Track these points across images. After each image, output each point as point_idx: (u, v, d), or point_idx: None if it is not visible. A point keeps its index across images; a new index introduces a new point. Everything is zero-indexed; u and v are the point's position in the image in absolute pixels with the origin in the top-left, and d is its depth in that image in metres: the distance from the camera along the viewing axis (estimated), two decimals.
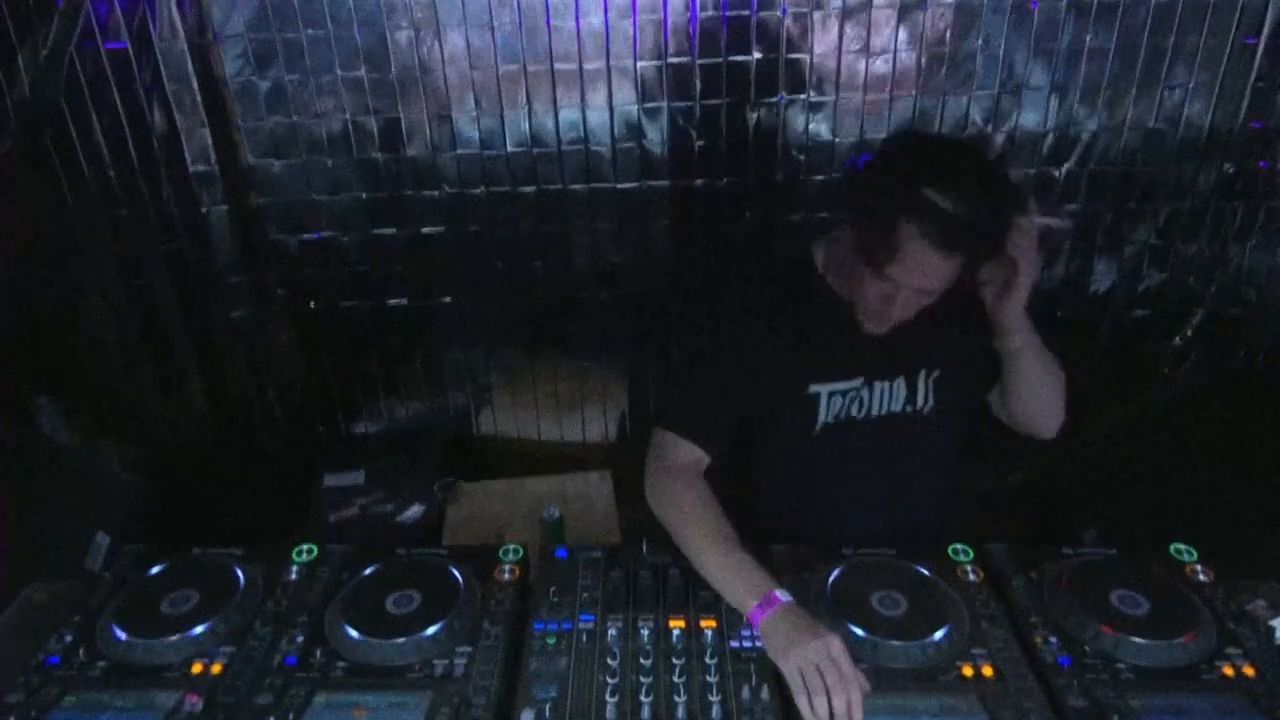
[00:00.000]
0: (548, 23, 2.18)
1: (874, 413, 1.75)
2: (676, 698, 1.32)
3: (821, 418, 1.73)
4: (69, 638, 1.47)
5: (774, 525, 1.77)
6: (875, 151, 1.55)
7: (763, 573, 1.47)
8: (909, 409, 1.76)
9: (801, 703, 1.29)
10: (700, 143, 2.33)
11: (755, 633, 1.42)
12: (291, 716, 1.32)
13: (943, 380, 1.77)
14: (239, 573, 1.59)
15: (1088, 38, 2.18)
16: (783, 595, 1.42)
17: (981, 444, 1.94)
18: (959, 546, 1.64)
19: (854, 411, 1.74)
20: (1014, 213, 1.50)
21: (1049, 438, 1.83)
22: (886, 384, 1.74)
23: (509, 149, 2.34)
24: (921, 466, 1.82)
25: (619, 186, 2.39)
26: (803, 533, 1.72)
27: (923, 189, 1.39)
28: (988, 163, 1.53)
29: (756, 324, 1.70)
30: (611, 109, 2.29)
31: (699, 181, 2.38)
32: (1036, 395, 1.77)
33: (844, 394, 1.72)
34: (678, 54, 2.22)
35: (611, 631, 1.45)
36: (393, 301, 2.56)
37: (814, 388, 1.71)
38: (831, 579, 1.54)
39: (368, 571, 1.60)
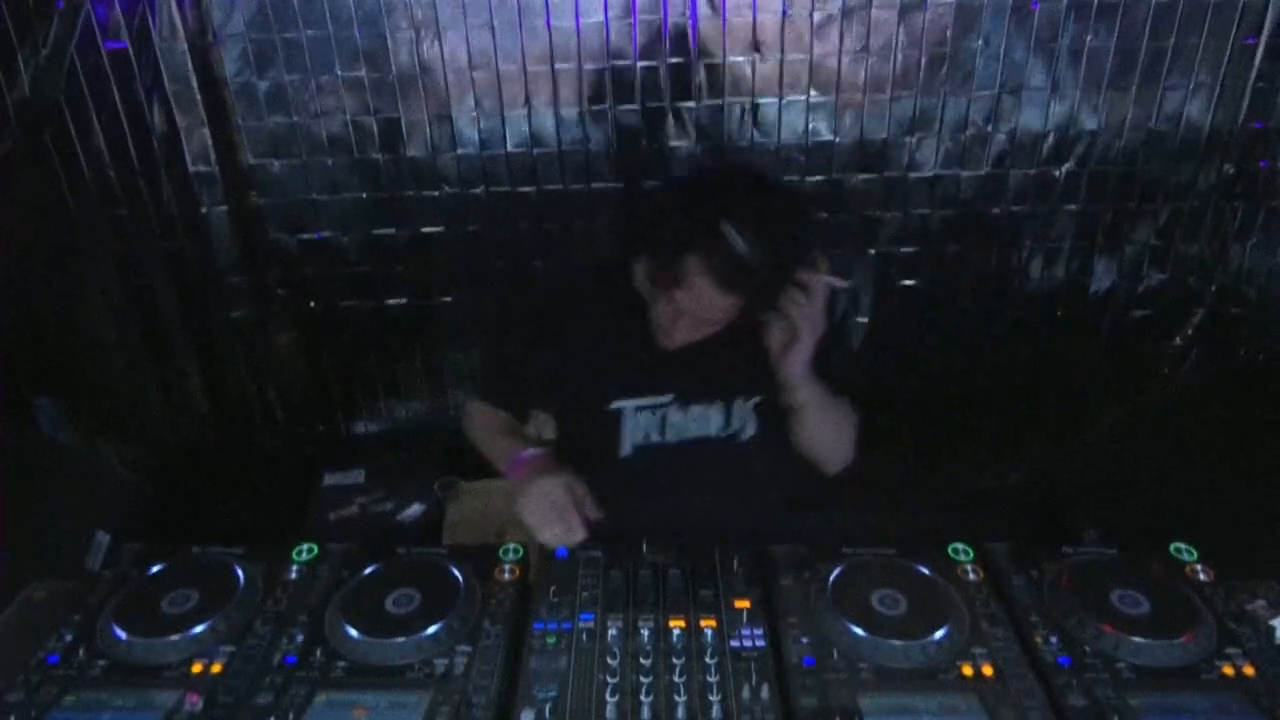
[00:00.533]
0: (548, 23, 2.18)
1: (687, 436, 1.75)
2: (676, 697, 1.32)
3: (629, 439, 1.73)
4: (69, 637, 1.47)
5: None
6: (688, 177, 1.61)
7: (519, 442, 1.70)
8: (725, 434, 1.76)
9: (534, 532, 1.54)
10: (701, 143, 2.32)
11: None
12: (291, 716, 1.31)
13: (765, 406, 1.76)
14: (239, 572, 1.59)
15: (1088, 38, 2.18)
16: (529, 452, 1.65)
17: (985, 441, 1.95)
18: (959, 546, 1.64)
19: (666, 435, 1.74)
20: (797, 266, 1.51)
21: (830, 473, 1.85)
22: (701, 407, 1.74)
23: (509, 149, 2.34)
24: (737, 492, 1.82)
25: (619, 187, 2.39)
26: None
27: (718, 224, 1.41)
28: (790, 213, 1.54)
29: (567, 330, 1.74)
30: (611, 109, 2.29)
31: None
32: (818, 442, 1.78)
33: (652, 410, 1.72)
34: (677, 54, 2.22)
35: (611, 631, 1.45)
36: (392, 301, 2.56)
37: (617, 404, 1.71)
38: (832, 578, 1.54)
39: (368, 571, 1.60)
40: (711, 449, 1.76)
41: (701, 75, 2.24)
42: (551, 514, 1.53)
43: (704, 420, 1.75)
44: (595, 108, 2.29)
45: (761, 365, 1.67)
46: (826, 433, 1.78)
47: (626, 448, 1.74)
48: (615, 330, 1.70)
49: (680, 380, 1.72)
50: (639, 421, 1.73)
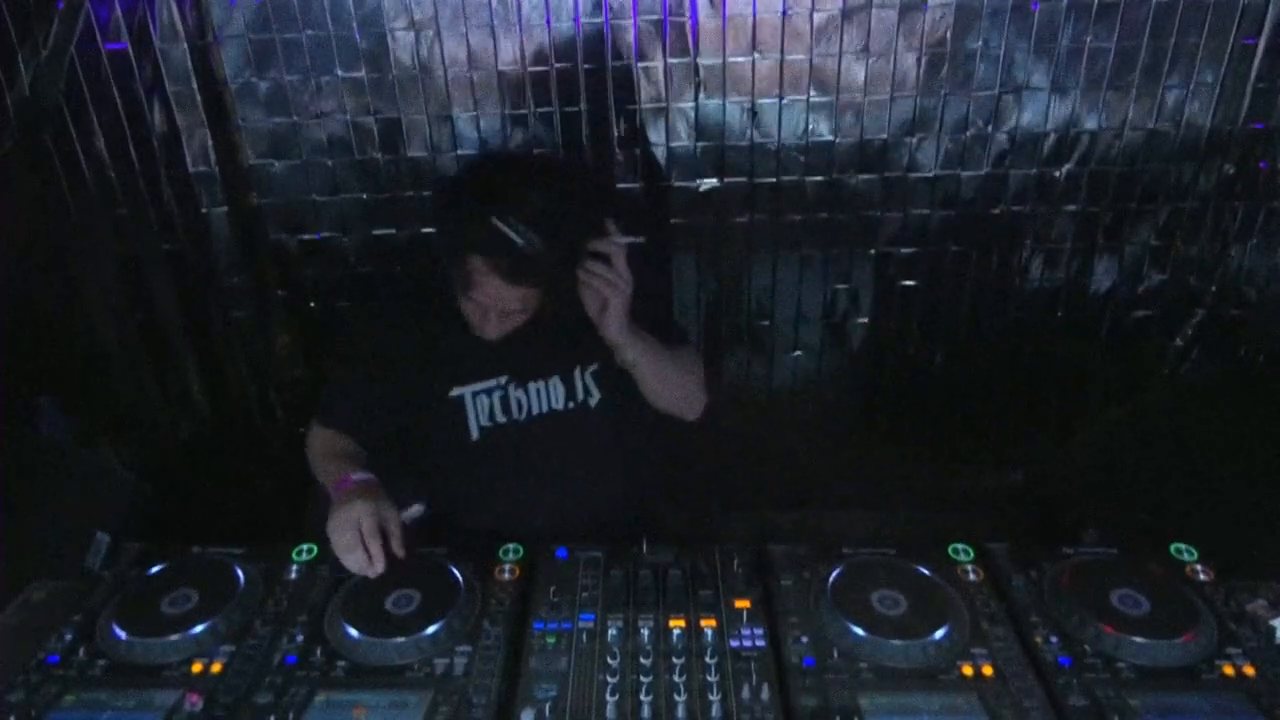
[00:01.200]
0: (548, 23, 2.18)
1: (534, 412, 1.77)
2: (676, 697, 1.32)
3: (475, 422, 1.75)
4: (69, 637, 1.47)
5: (449, 533, 1.79)
6: (451, 177, 1.62)
7: (349, 466, 1.68)
8: (571, 404, 1.79)
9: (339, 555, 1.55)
10: (701, 143, 2.32)
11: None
12: (291, 716, 1.32)
13: (603, 372, 1.78)
14: (239, 572, 1.60)
15: (1088, 38, 2.18)
16: (357, 476, 1.63)
17: (986, 441, 1.95)
18: (959, 546, 1.64)
19: (513, 413, 1.77)
20: (584, 240, 1.53)
21: (693, 419, 1.90)
22: (541, 383, 1.77)
23: (509, 149, 2.34)
24: (594, 460, 1.86)
25: (619, 187, 2.39)
26: (477, 538, 1.75)
27: (489, 222, 1.44)
28: (557, 188, 1.57)
29: (390, 334, 1.78)
30: (611, 109, 2.29)
31: (699, 182, 2.38)
32: (666, 393, 1.84)
33: (489, 394, 1.74)
34: (677, 54, 2.22)
35: (611, 631, 1.45)
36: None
37: (456, 390, 1.74)
38: (832, 578, 1.54)
39: None
40: (560, 420, 1.80)
41: (701, 75, 2.24)
42: (354, 541, 1.54)
43: (547, 394, 1.79)
44: (595, 107, 2.29)
45: (589, 333, 1.71)
46: (669, 385, 1.83)
47: (474, 431, 1.76)
48: (444, 320, 1.73)
49: (512, 361, 1.75)
50: (481, 404, 1.75)
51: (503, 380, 1.76)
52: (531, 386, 1.78)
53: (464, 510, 1.87)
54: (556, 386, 1.79)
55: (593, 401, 1.81)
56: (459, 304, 1.70)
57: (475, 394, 1.75)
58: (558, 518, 1.82)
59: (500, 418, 1.77)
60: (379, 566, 1.53)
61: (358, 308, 1.94)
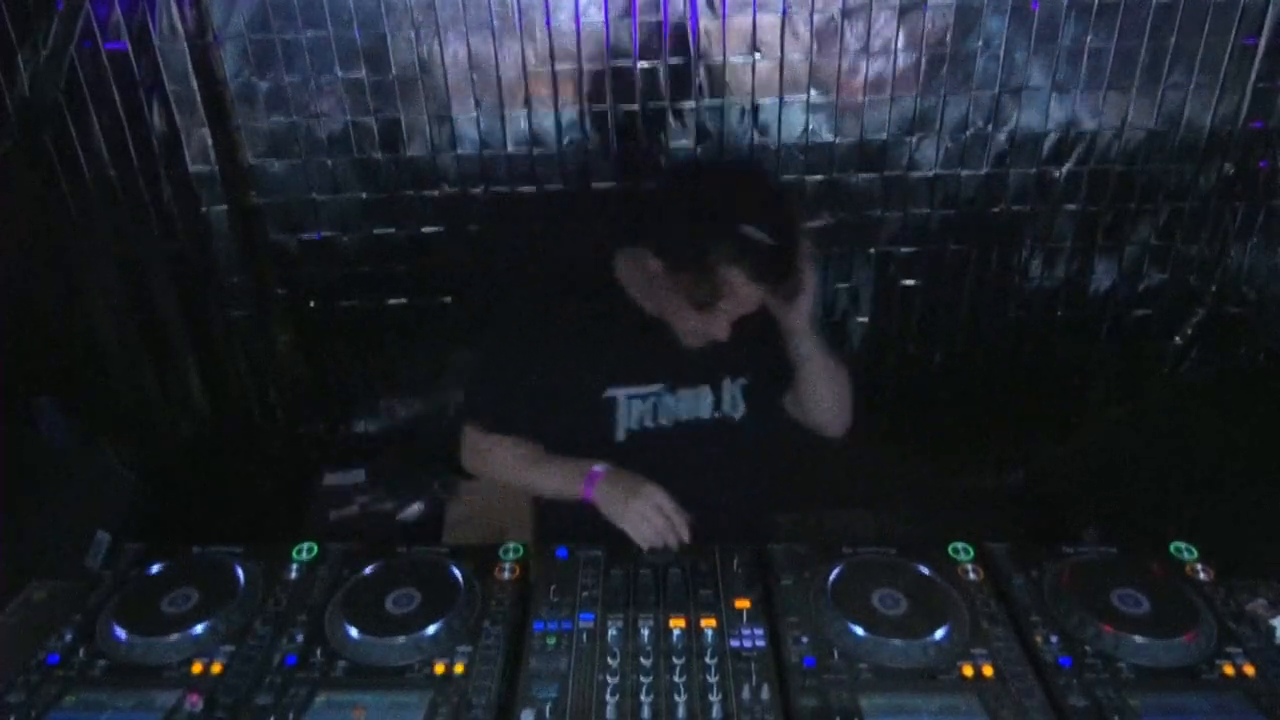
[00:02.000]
0: (548, 23, 2.18)
1: (680, 419, 1.77)
2: (676, 697, 1.32)
3: (623, 424, 1.75)
4: (69, 636, 1.47)
5: (579, 534, 1.77)
6: (666, 193, 1.66)
7: (578, 462, 1.68)
8: (716, 415, 1.79)
9: (646, 545, 1.58)
10: (701, 143, 2.32)
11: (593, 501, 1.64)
12: (291, 716, 1.31)
13: (750, 386, 1.79)
14: (239, 571, 1.59)
15: (1088, 38, 2.18)
16: (600, 467, 1.64)
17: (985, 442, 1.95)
18: (959, 546, 1.64)
19: (660, 419, 1.76)
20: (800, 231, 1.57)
21: (836, 435, 1.92)
22: (690, 391, 1.77)
23: (509, 149, 2.34)
24: (731, 472, 1.85)
25: (619, 187, 2.39)
26: (606, 540, 1.72)
27: (738, 229, 1.45)
28: (772, 184, 1.65)
29: (549, 329, 1.74)
30: (611, 109, 2.29)
31: None
32: (822, 400, 1.85)
33: (643, 399, 1.74)
34: (677, 54, 2.22)
35: (611, 631, 1.45)
36: (393, 301, 2.56)
37: (610, 392, 1.73)
38: (832, 578, 1.54)
39: (368, 570, 1.60)
40: (704, 430, 1.79)
41: (701, 75, 2.24)
42: (659, 519, 1.58)
43: (695, 403, 1.78)
44: (595, 108, 2.29)
45: (745, 347, 1.70)
46: (827, 389, 1.83)
47: (620, 434, 1.75)
48: (604, 321, 1.72)
49: (669, 367, 1.74)
50: (633, 408, 1.74)
51: (659, 387, 1.75)
52: (682, 393, 1.77)
53: (593, 513, 1.83)
54: (705, 396, 1.78)
55: (736, 414, 1.80)
56: (672, 318, 1.68)
57: (630, 397, 1.73)
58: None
59: (649, 423, 1.76)
60: (685, 534, 1.59)
61: (512, 299, 1.94)
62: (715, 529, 1.72)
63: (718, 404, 1.79)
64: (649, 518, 1.58)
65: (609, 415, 1.75)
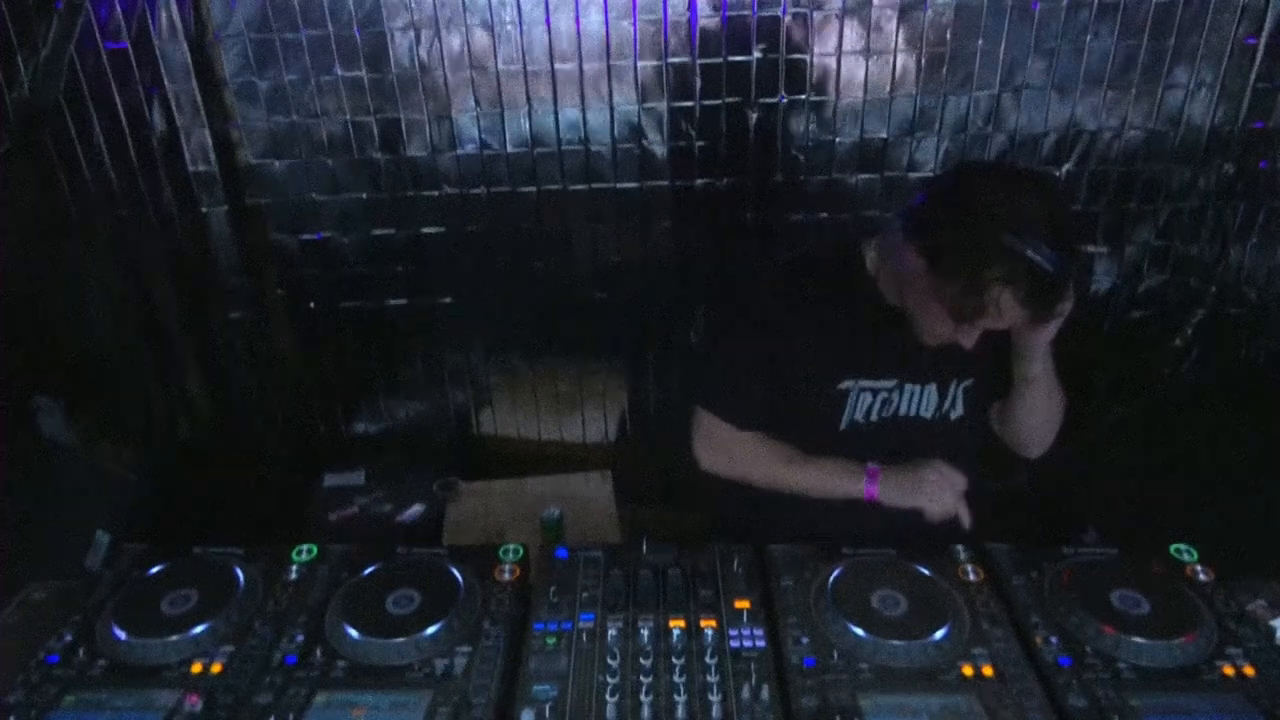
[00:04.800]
0: (547, 23, 2.18)
1: (902, 414, 1.75)
2: (676, 697, 1.32)
3: (849, 414, 1.73)
4: (69, 637, 1.47)
5: (784, 523, 1.75)
6: (946, 193, 1.50)
7: (846, 461, 1.69)
8: (938, 415, 1.77)
9: (940, 517, 1.63)
10: (700, 143, 2.33)
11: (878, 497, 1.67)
12: (291, 716, 1.31)
13: (973, 390, 1.77)
14: (239, 572, 1.59)
15: (1088, 38, 2.18)
16: (874, 465, 1.67)
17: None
18: (959, 546, 1.64)
19: (884, 412, 1.74)
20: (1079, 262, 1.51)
21: (1032, 458, 1.91)
22: (918, 388, 1.74)
23: (509, 149, 2.34)
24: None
25: (619, 187, 2.39)
26: (813, 531, 1.69)
27: (1018, 250, 1.36)
28: (1059, 205, 1.47)
29: (793, 314, 1.69)
30: (612, 109, 2.29)
31: (699, 182, 2.38)
32: (1037, 422, 1.82)
33: (874, 393, 1.72)
34: (677, 54, 2.22)
35: (611, 631, 1.45)
36: (393, 302, 2.56)
37: (845, 383, 1.71)
38: (832, 578, 1.54)
39: (367, 571, 1.60)
40: (921, 429, 1.77)
41: (701, 74, 2.24)
42: (951, 496, 1.63)
43: (920, 400, 1.76)
44: (595, 108, 2.29)
45: (979, 349, 1.64)
46: (1043, 412, 1.81)
47: (844, 423, 1.74)
48: (841, 306, 1.69)
49: (904, 363, 1.71)
50: (863, 401, 1.73)
51: (893, 383, 1.73)
52: (909, 389, 1.75)
53: (796, 499, 1.78)
54: (931, 394, 1.75)
55: (955, 415, 1.77)
56: (876, 288, 1.67)
57: (863, 390, 1.71)
58: (891, 525, 1.72)
59: (874, 417, 1.74)
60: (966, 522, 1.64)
61: (757, 278, 1.79)
62: (919, 534, 1.69)
63: (940, 404, 1.77)
64: (942, 493, 1.63)
65: (838, 406, 1.73)
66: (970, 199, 1.47)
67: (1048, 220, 1.39)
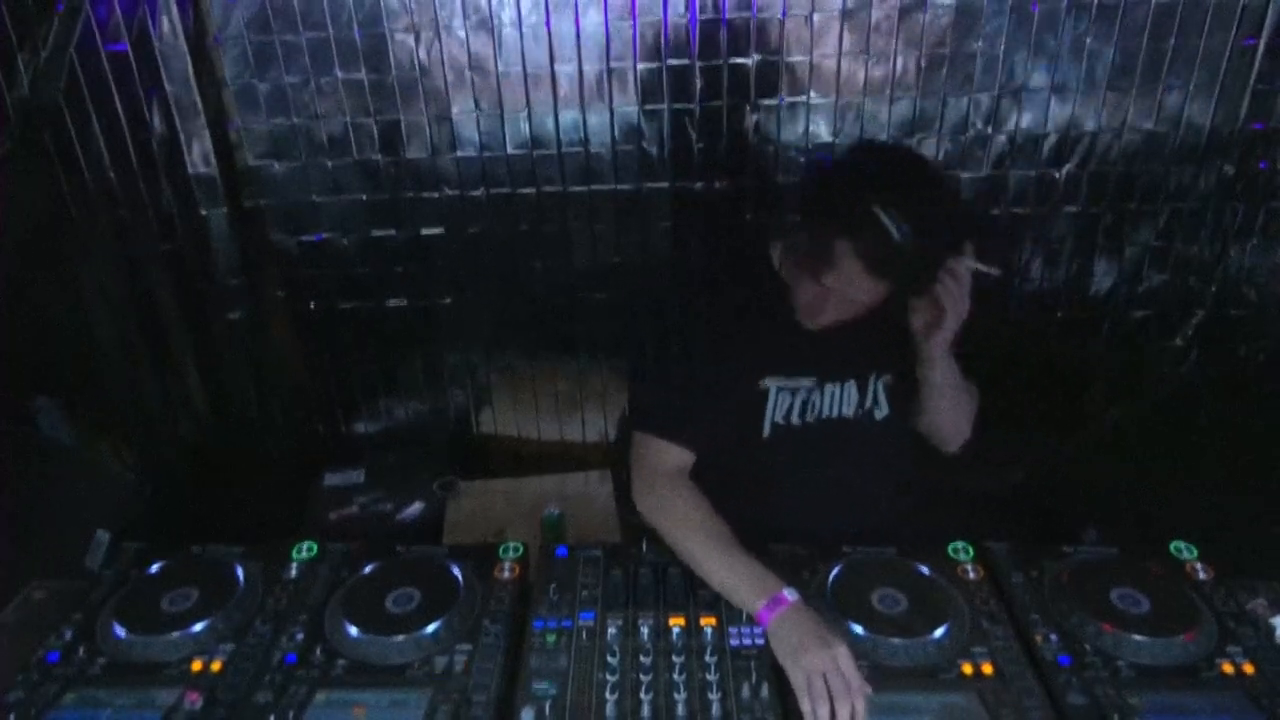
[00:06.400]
0: (547, 24, 2.18)
1: (824, 415, 1.76)
2: (676, 696, 1.32)
3: (770, 416, 1.73)
4: (69, 635, 1.47)
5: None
6: (835, 158, 1.57)
7: (768, 573, 1.48)
8: (862, 414, 1.77)
9: (805, 708, 1.30)
10: (700, 145, 2.33)
11: (762, 630, 1.43)
12: (291, 714, 1.32)
13: (896, 385, 1.78)
14: (239, 570, 1.60)
15: (1088, 38, 2.19)
16: (790, 594, 1.44)
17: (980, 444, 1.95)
18: (959, 545, 1.64)
19: (806, 415, 1.75)
20: (948, 252, 1.52)
21: (951, 451, 1.90)
22: (837, 386, 1.75)
23: (509, 151, 2.34)
24: (873, 471, 1.83)
25: (619, 188, 2.40)
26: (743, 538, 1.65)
27: (869, 209, 1.40)
28: (943, 201, 1.55)
29: (718, 321, 1.71)
30: (611, 111, 2.29)
31: (699, 184, 2.38)
32: (944, 421, 1.83)
33: (793, 392, 1.73)
34: (677, 56, 2.22)
35: (611, 629, 1.45)
36: (392, 303, 2.56)
37: (765, 382, 1.72)
38: (831, 577, 1.54)
39: (368, 569, 1.60)
40: (844, 428, 1.77)
41: (701, 75, 2.24)
42: (842, 692, 1.31)
43: (840, 399, 1.76)
44: (595, 109, 2.29)
45: (895, 343, 1.70)
46: (951, 411, 1.82)
47: (766, 429, 1.74)
48: (761, 311, 1.69)
49: (820, 360, 1.72)
50: (782, 401, 1.73)
51: (810, 382, 1.73)
52: (828, 389, 1.75)
53: (735, 510, 1.79)
54: (851, 392, 1.76)
55: (879, 413, 1.79)
56: (787, 287, 1.67)
57: (780, 389, 1.71)
58: (824, 525, 1.75)
59: (795, 419, 1.74)
60: (860, 707, 1.30)
61: (693, 299, 1.81)
62: (853, 533, 1.70)
63: (862, 401, 1.77)
64: (815, 679, 1.32)
65: (759, 408, 1.73)
66: (844, 163, 1.60)
67: (917, 198, 1.44)
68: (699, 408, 1.69)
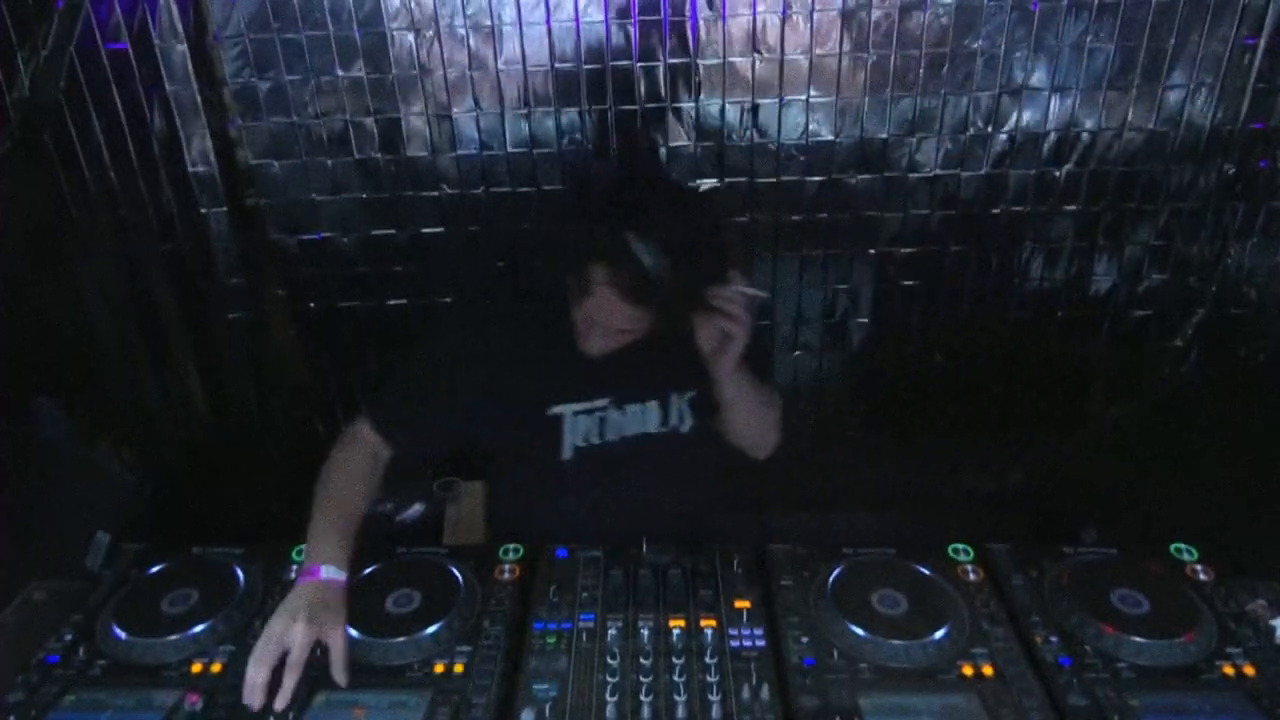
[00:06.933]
0: (548, 23, 2.18)
1: (627, 434, 1.76)
2: (676, 697, 1.32)
3: (569, 440, 1.74)
4: (69, 636, 1.47)
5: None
6: (592, 182, 1.58)
7: (336, 549, 1.50)
8: (666, 429, 1.79)
9: (249, 666, 1.35)
10: (701, 144, 2.32)
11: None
12: (291, 715, 1.32)
13: (700, 400, 1.79)
14: (239, 572, 1.60)
15: (1088, 38, 2.18)
16: (326, 572, 1.46)
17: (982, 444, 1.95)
18: (959, 546, 1.65)
19: (607, 435, 1.75)
20: (706, 277, 1.51)
21: (760, 458, 1.94)
22: (638, 406, 1.76)
23: (509, 150, 2.34)
24: (679, 484, 1.87)
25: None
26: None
27: (622, 235, 1.41)
28: (700, 226, 1.55)
29: (503, 346, 1.72)
30: (612, 110, 2.29)
31: (699, 183, 2.37)
32: (746, 431, 1.87)
33: (589, 414, 1.73)
34: (677, 55, 2.22)
35: (611, 631, 1.45)
36: (392, 302, 2.56)
37: (556, 409, 1.71)
38: (832, 578, 1.54)
39: (367, 571, 1.60)
40: (651, 444, 1.79)
41: (701, 75, 2.24)
42: (269, 657, 1.35)
43: (643, 418, 1.78)
44: (595, 108, 2.29)
45: (690, 360, 1.70)
46: (753, 422, 1.86)
47: (568, 450, 1.75)
48: (550, 332, 1.68)
49: (616, 383, 1.73)
50: (579, 425, 1.74)
51: (605, 403, 1.74)
52: (630, 409, 1.76)
53: (543, 528, 1.82)
54: (653, 411, 1.78)
55: (684, 428, 1.80)
56: (571, 314, 1.66)
57: (576, 414, 1.73)
58: (624, 530, 1.77)
59: (595, 440, 1.75)
60: (277, 703, 1.33)
61: (461, 305, 1.83)
62: (660, 538, 1.73)
63: (665, 418, 1.79)
64: (263, 647, 1.36)
65: (555, 432, 1.73)
66: (596, 192, 1.65)
67: (670, 228, 1.44)
68: (434, 422, 1.72)
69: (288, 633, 1.36)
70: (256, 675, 1.33)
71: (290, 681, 1.34)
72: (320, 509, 1.58)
